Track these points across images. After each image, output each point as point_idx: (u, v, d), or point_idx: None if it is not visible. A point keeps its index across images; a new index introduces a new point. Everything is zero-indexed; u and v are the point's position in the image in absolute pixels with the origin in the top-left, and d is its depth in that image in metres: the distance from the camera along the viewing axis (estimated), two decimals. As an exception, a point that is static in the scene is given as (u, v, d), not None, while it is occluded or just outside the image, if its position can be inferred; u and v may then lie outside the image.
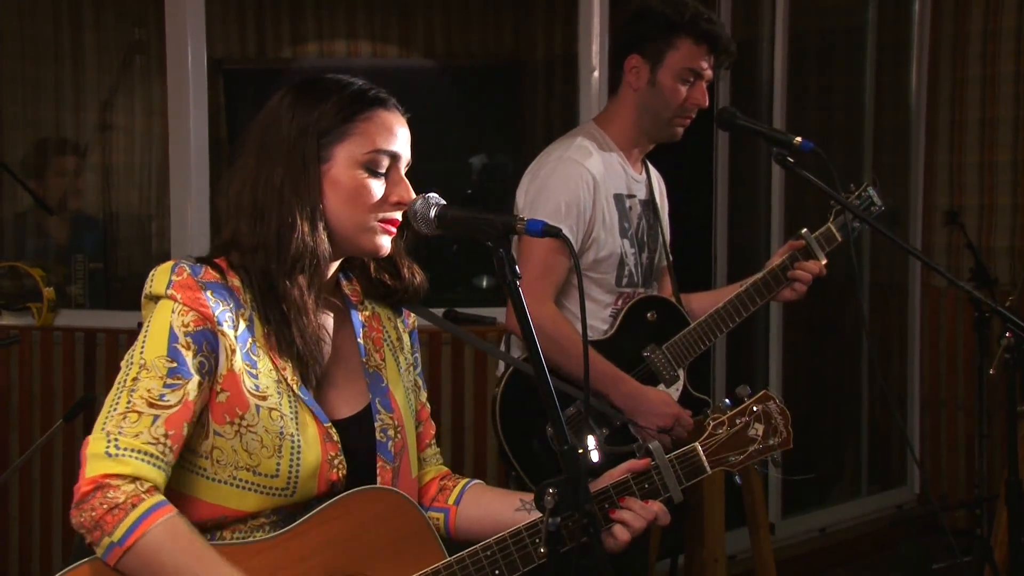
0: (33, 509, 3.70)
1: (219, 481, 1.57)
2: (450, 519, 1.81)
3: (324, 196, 1.62)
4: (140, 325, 3.98)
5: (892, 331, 5.08)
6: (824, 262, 2.61)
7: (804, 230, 2.62)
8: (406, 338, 1.83)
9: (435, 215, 1.60)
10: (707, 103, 2.63)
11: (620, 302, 2.64)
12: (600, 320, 2.62)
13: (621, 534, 1.69)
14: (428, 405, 1.87)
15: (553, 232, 1.50)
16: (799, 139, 2.40)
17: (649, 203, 2.72)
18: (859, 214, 2.47)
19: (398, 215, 1.65)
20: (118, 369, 3.98)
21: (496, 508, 1.78)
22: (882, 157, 5.06)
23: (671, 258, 2.81)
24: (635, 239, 2.65)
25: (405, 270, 1.77)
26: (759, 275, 2.62)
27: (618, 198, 2.62)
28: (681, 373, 2.62)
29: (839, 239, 2.64)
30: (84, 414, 3.30)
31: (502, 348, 2.69)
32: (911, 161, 5.00)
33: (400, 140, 1.66)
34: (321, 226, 1.60)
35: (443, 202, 1.62)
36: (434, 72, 5.30)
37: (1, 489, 3.54)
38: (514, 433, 2.50)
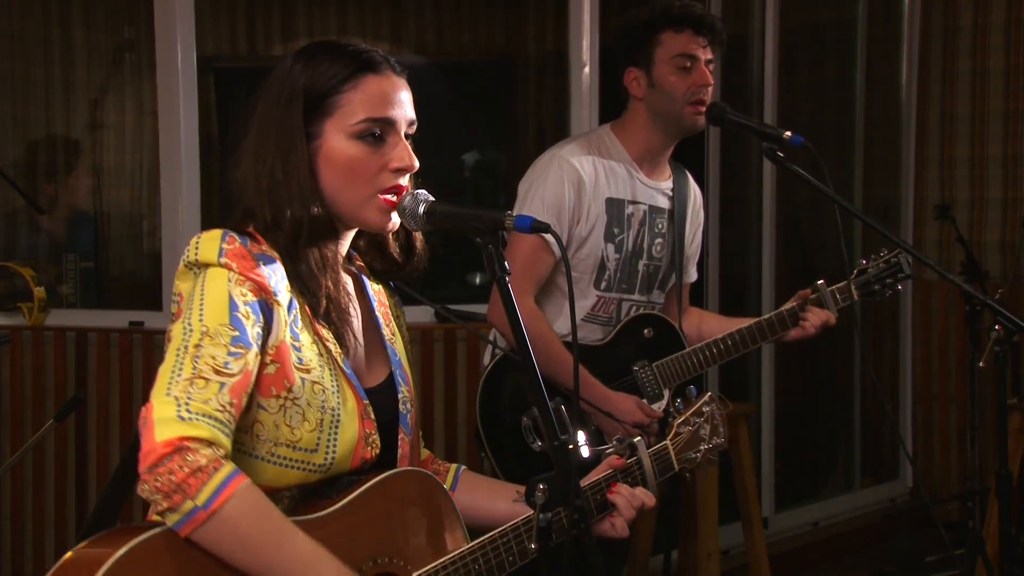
0: (25, 509, 3.69)
1: (256, 456, 1.55)
2: None
3: (320, 173, 1.60)
4: (132, 324, 3.96)
5: (884, 324, 5.08)
6: (830, 314, 2.64)
7: (820, 282, 2.65)
8: (402, 314, 1.84)
9: (424, 211, 1.59)
10: (711, 81, 2.61)
11: (600, 306, 2.65)
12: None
13: (620, 525, 1.73)
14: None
15: (542, 228, 1.50)
16: (788, 133, 2.40)
17: (666, 212, 2.72)
18: (847, 207, 2.47)
19: (402, 180, 1.62)
20: (109, 368, 3.94)
21: (491, 498, 1.80)
22: (873, 151, 5.06)
23: (685, 279, 2.81)
24: (625, 245, 2.65)
25: (418, 245, 1.76)
26: (766, 316, 2.65)
27: (612, 202, 2.62)
28: (666, 393, 2.63)
29: (856, 298, 2.67)
30: (76, 414, 3.29)
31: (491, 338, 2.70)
32: (902, 155, 5.00)
33: (395, 104, 1.62)
34: (315, 205, 1.58)
35: (432, 198, 1.61)
36: (425, 69, 5.29)
37: (-7, 489, 3.54)
38: (492, 421, 2.56)
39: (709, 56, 2.62)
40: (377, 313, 1.75)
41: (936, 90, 4.91)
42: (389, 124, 1.62)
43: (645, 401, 2.58)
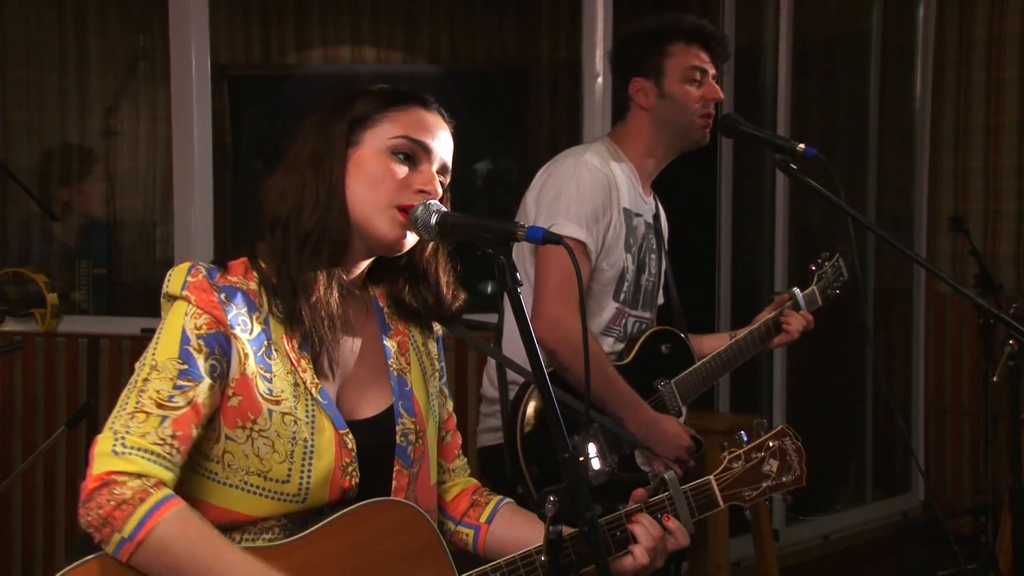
0: (36, 515, 3.70)
1: (230, 486, 1.55)
2: (480, 537, 1.78)
3: (348, 178, 1.62)
4: (143, 331, 3.99)
5: (896, 337, 5.06)
6: (811, 317, 2.71)
7: (795, 288, 2.73)
8: (432, 345, 1.82)
9: (435, 222, 1.59)
10: (721, 96, 2.60)
11: (616, 319, 2.60)
12: (592, 335, 2.57)
13: (639, 553, 1.65)
14: (454, 416, 1.85)
15: (554, 240, 1.48)
16: (802, 145, 2.38)
17: (653, 229, 2.69)
18: (861, 219, 2.46)
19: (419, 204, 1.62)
20: (121, 375, 3.96)
21: (528, 533, 1.73)
22: (886, 163, 5.05)
23: (667, 298, 2.78)
24: (637, 257, 2.62)
25: (446, 291, 1.74)
26: (753, 326, 2.69)
27: (626, 212, 2.57)
28: (684, 409, 2.62)
29: (820, 303, 2.75)
30: (87, 420, 3.30)
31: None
32: (915, 167, 4.98)
33: (435, 137, 1.65)
34: (337, 207, 1.60)
35: (444, 209, 1.61)
36: (438, 78, 5.30)
37: (4, 495, 3.54)
38: (535, 456, 2.42)
39: (715, 72, 2.61)
40: (387, 343, 1.73)
41: (950, 102, 4.89)
42: (425, 150, 1.64)
43: (659, 387, 2.58)
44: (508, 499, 1.83)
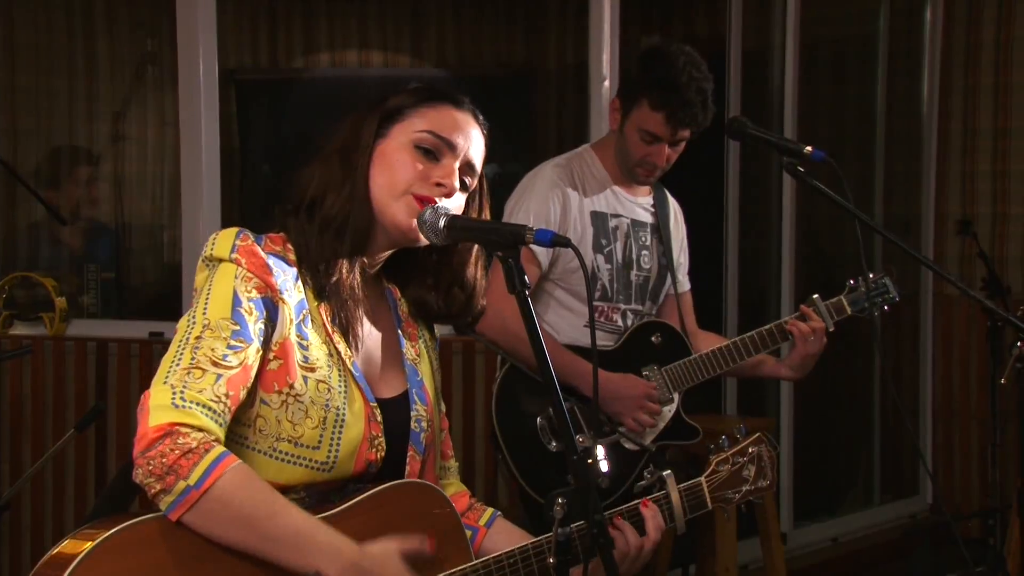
0: (45, 518, 3.71)
1: (258, 451, 1.56)
2: (477, 539, 1.81)
3: (372, 168, 1.65)
4: (152, 334, 3.98)
5: (904, 340, 5.05)
6: (830, 327, 2.68)
7: (816, 296, 2.71)
8: (434, 343, 1.85)
9: (444, 225, 1.60)
10: (662, 164, 2.68)
11: (598, 315, 2.74)
12: (575, 328, 2.72)
13: (631, 534, 1.71)
14: (446, 418, 1.88)
15: (562, 242, 1.51)
16: (810, 148, 2.39)
17: (650, 226, 2.82)
18: (868, 222, 2.46)
19: (437, 197, 1.64)
20: (129, 378, 3.96)
21: (522, 541, 1.74)
22: (894, 166, 5.04)
23: (678, 289, 2.86)
24: (615, 256, 2.73)
25: (478, 295, 1.77)
26: (766, 327, 2.72)
27: (597, 215, 2.72)
28: (676, 396, 2.71)
29: (849, 312, 2.72)
30: (96, 424, 3.32)
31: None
32: (923, 170, 4.98)
33: (463, 136, 1.67)
34: (360, 195, 1.63)
35: (452, 212, 1.62)
36: (446, 81, 5.31)
37: (14, 498, 3.55)
38: (508, 422, 2.62)
39: (683, 136, 2.65)
40: (400, 332, 1.76)
41: (958, 105, 4.89)
42: (449, 147, 1.66)
43: (646, 374, 2.67)
44: (499, 512, 1.87)
